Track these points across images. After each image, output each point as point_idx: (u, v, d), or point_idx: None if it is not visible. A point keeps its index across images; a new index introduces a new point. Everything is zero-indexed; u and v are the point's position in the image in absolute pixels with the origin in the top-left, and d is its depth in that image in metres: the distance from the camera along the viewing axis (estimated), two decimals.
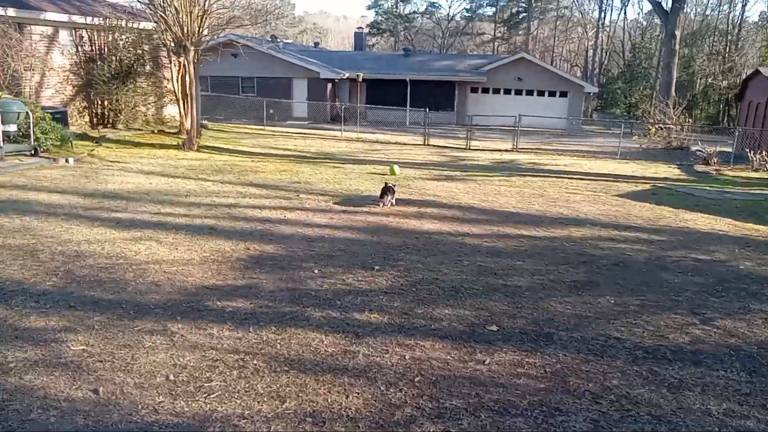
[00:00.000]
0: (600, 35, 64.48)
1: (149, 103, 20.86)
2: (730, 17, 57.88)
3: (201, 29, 15.74)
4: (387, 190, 9.41)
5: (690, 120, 26.87)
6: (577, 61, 70.87)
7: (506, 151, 21.26)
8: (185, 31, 14.90)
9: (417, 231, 7.86)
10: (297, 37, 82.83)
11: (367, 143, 21.35)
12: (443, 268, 6.14)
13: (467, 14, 73.18)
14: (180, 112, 17.22)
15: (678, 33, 38.57)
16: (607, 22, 66.84)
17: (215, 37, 27.27)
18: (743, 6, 54.64)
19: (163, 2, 15.26)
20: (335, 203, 9.54)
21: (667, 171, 17.54)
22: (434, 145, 21.79)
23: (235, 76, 32.08)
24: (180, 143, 16.06)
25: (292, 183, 11.38)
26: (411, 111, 30.16)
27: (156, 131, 19.57)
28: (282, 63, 31.02)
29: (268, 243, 6.79)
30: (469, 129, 22.19)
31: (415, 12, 74.23)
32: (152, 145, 16.14)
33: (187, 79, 15.90)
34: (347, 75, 31.32)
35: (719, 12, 59.04)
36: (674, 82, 39.29)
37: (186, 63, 15.65)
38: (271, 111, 29.11)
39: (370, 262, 6.23)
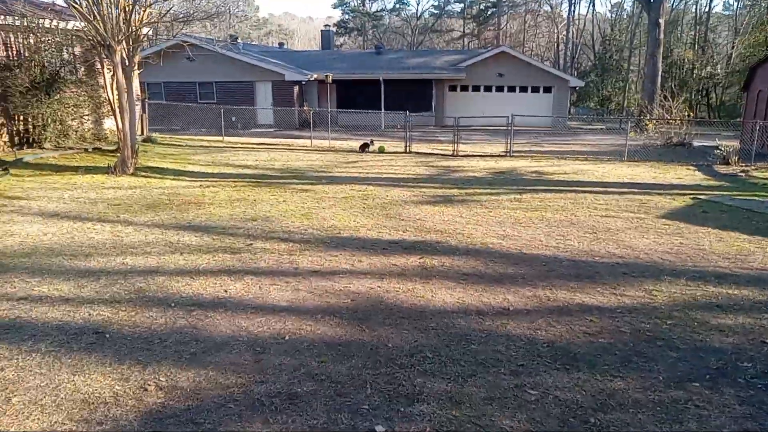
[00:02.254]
0: (571, 28, 62.88)
1: (83, 116, 17.70)
2: (698, 7, 56.90)
3: (131, 24, 12.72)
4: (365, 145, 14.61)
5: (691, 113, 24.68)
6: (548, 56, 69.19)
7: (499, 156, 18.70)
8: (108, 26, 11.86)
9: (429, 310, 5.11)
10: (262, 40, 79.54)
11: (340, 153, 18.54)
12: (499, 416, 3.41)
13: (435, 11, 70.94)
14: (117, 126, 14.22)
15: (662, 21, 36.65)
16: (575, 15, 65.26)
17: (167, 37, 24.19)
18: None
19: None
20: (304, 256, 6.73)
21: (689, 175, 15.16)
22: (417, 152, 19.11)
23: (191, 82, 29.02)
24: (111, 166, 13.01)
25: (245, 221, 8.52)
26: (386, 113, 27.45)
27: (91, 149, 16.50)
28: (243, 65, 28.02)
29: (185, 366, 3.94)
30: (455, 132, 19.56)
31: (383, 9, 71.63)
32: (77, 169, 13.07)
33: (116, 86, 12.89)
34: (315, 76, 28.46)
35: (686, 2, 57.90)
36: (660, 73, 37.46)
37: (113, 66, 12.64)
38: (233, 119, 26.14)
39: (366, 408, 3.45)
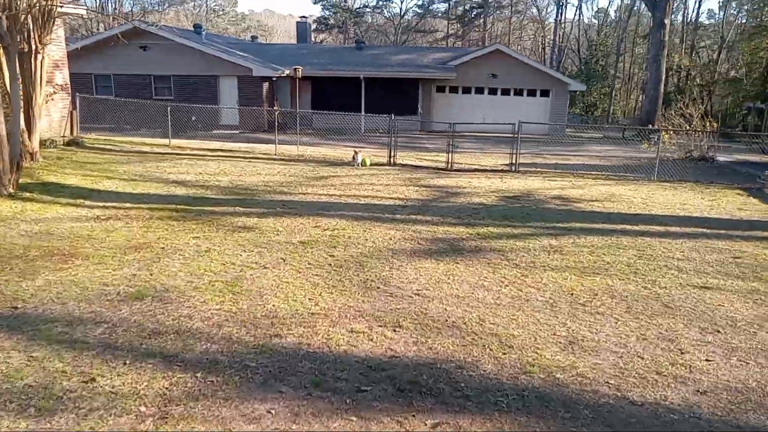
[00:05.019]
0: (557, 32, 60.11)
1: None
2: (685, 15, 54.27)
3: None
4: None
5: (715, 123, 21.66)
6: (533, 59, 66.35)
7: (503, 171, 15.32)
8: None
9: None
10: (240, 35, 75.21)
11: (309, 165, 14.96)
12: None
13: (419, 10, 67.58)
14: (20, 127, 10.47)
15: (668, 22, 33.89)
16: (562, 19, 62.38)
17: (123, 21, 20.33)
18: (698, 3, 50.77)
19: None
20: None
21: (750, 203, 11.96)
22: (403, 164, 15.64)
23: (146, 75, 25.04)
24: None
25: (122, 302, 4.93)
26: (367, 116, 23.93)
27: None
28: (205, 57, 24.17)
29: None
30: (449, 141, 16.15)
31: (365, 6, 68.02)
32: None
33: None
34: (287, 72, 24.78)
35: (673, 11, 55.25)
36: (663, 77, 34.69)
37: None
38: (194, 118, 22.29)
39: None
